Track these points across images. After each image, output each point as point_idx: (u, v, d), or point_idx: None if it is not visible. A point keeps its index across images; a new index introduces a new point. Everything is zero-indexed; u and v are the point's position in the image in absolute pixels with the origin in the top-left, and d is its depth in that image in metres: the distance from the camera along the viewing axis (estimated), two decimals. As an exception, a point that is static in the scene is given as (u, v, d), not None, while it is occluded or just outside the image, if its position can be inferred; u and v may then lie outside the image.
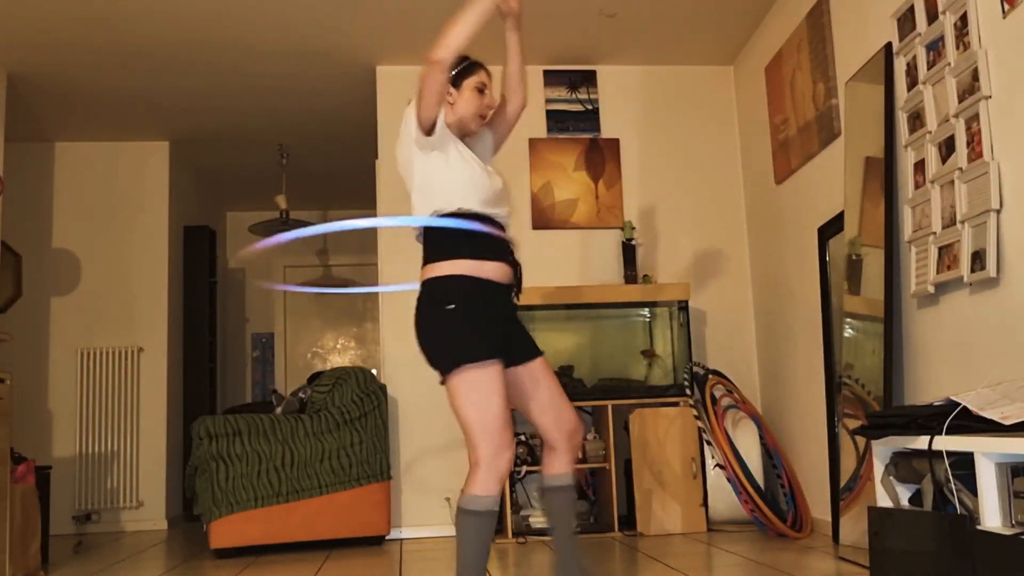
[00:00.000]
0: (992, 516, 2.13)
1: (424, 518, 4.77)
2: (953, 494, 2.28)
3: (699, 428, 4.45)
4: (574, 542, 2.68)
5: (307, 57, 5.01)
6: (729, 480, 4.27)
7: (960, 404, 2.28)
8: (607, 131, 5.21)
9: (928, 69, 3.16)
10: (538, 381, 2.64)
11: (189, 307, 6.60)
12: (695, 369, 4.66)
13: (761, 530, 4.29)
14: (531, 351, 2.66)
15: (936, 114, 3.12)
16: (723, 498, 4.43)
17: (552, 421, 2.64)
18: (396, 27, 4.73)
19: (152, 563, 4.27)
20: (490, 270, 2.53)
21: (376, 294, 5.31)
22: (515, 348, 2.62)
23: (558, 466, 2.66)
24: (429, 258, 2.58)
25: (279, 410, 4.75)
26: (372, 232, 5.18)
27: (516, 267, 2.62)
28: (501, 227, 2.59)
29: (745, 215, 5.22)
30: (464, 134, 2.69)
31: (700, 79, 5.33)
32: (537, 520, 4.52)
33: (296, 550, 4.46)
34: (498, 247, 2.57)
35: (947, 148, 3.04)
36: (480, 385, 2.44)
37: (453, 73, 2.60)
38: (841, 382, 3.70)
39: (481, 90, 2.67)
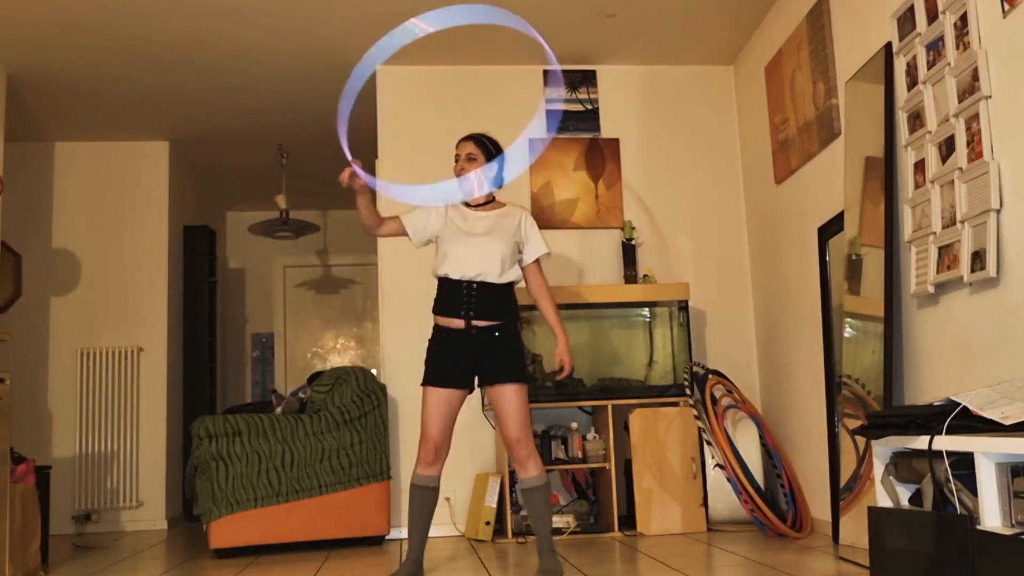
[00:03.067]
0: (992, 516, 2.13)
1: (424, 518, 4.76)
2: (953, 494, 2.28)
3: (699, 428, 4.45)
4: (543, 535, 3.37)
5: (307, 56, 5.01)
6: (729, 480, 4.27)
7: (960, 404, 2.28)
8: (607, 131, 5.21)
9: (928, 69, 3.16)
10: (496, 401, 3.41)
11: (189, 307, 6.60)
12: (695, 369, 4.66)
13: (761, 530, 4.29)
14: (494, 378, 3.40)
15: (936, 114, 3.12)
16: (723, 498, 4.43)
17: (503, 433, 3.44)
18: (395, 26, 4.72)
19: (152, 563, 4.26)
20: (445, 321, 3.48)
21: (376, 293, 5.32)
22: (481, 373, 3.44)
23: (519, 471, 3.41)
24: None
25: (279, 410, 4.74)
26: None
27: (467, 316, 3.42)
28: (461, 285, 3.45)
29: (745, 215, 5.22)
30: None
31: (700, 79, 5.33)
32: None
33: (296, 550, 4.46)
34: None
35: (947, 148, 3.04)
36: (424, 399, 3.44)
37: None
38: (841, 382, 3.70)
39: (456, 158, 3.61)
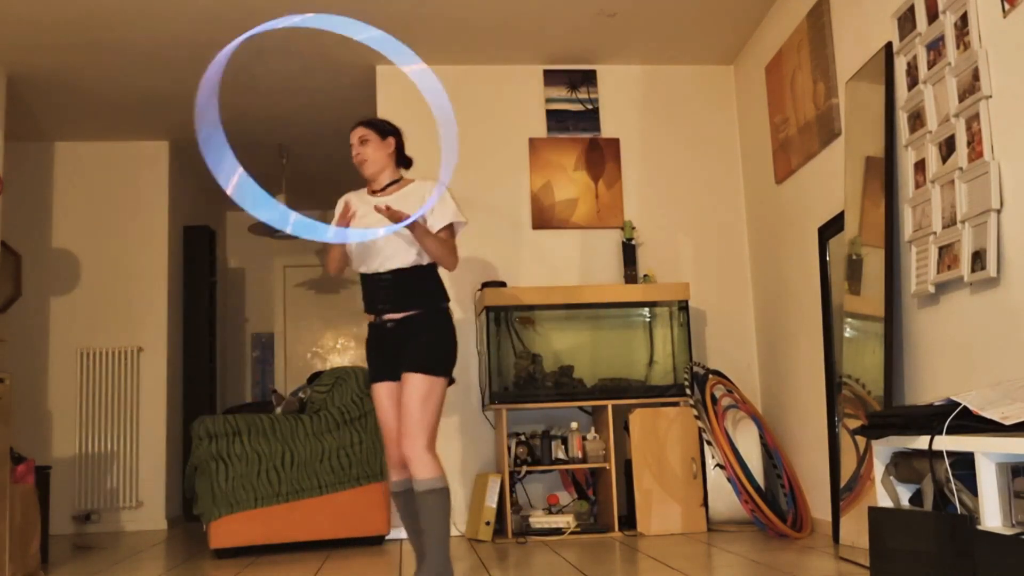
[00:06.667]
0: (992, 516, 2.13)
1: (424, 518, 4.76)
2: (953, 494, 2.28)
3: (699, 428, 4.45)
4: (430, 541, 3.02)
5: (307, 57, 5.01)
6: (729, 480, 4.26)
7: (960, 404, 2.28)
8: (607, 131, 5.21)
9: (928, 69, 3.16)
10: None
11: (189, 307, 6.60)
12: (695, 369, 4.66)
13: (761, 530, 4.29)
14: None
15: (936, 114, 3.12)
16: (723, 498, 4.43)
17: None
18: (395, 26, 4.73)
19: (152, 563, 4.26)
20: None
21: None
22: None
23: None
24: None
25: (279, 410, 4.75)
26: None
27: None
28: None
29: (745, 215, 5.21)
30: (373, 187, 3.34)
31: (700, 79, 5.33)
32: (538, 520, 4.52)
33: (296, 550, 4.46)
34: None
35: (947, 148, 3.04)
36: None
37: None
38: (841, 382, 3.70)
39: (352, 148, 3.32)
